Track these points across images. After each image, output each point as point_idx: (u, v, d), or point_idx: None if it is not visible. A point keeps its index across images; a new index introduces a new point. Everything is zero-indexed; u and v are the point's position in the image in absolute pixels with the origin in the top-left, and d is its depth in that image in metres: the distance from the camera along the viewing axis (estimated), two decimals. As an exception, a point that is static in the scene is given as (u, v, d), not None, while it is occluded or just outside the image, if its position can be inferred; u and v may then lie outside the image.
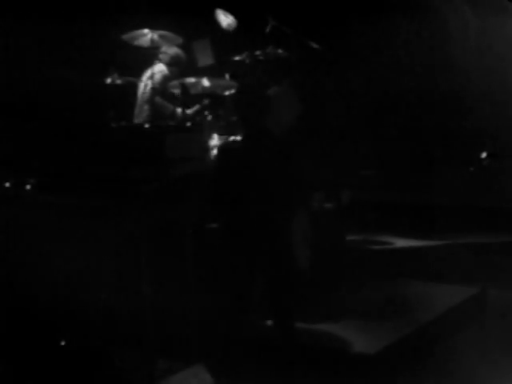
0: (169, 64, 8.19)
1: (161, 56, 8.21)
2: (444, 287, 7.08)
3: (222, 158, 5.28)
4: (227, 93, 7.72)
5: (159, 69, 8.15)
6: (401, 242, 8.07)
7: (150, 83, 8.01)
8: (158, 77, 8.07)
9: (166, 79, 8.01)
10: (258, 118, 5.12)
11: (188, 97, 7.59)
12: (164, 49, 8.18)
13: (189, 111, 7.83)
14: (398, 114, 9.31)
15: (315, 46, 8.14)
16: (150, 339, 5.70)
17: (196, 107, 7.88)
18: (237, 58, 8.07)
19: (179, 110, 7.65)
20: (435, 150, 9.63)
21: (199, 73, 7.93)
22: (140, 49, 8.03)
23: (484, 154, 9.38)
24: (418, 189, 9.29)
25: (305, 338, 5.68)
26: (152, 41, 7.96)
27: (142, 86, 8.13)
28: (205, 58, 8.44)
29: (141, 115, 8.04)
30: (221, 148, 5.82)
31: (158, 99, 8.00)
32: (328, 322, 6.08)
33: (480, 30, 9.47)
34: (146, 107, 8.01)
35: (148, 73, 8.11)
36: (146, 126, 7.46)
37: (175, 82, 7.62)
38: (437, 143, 9.64)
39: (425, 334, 6.11)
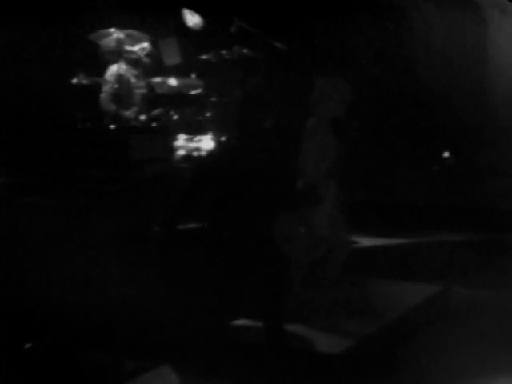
0: (133, 63, 8.12)
1: (125, 55, 8.14)
2: (409, 285, 7.12)
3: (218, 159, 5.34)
4: (193, 92, 7.73)
5: (123, 68, 8.04)
6: (366, 241, 8.10)
7: (114, 83, 7.93)
8: (122, 77, 7.97)
9: (130, 79, 7.96)
10: (263, 119, 5.22)
11: (154, 96, 7.59)
12: (129, 48, 8.12)
13: (152, 113, 7.76)
14: (360, 114, 9.36)
15: (280, 45, 8.18)
16: (116, 340, 5.69)
17: (159, 110, 7.81)
18: (203, 57, 8.08)
19: (145, 110, 7.64)
20: (399, 150, 9.70)
21: (166, 72, 7.94)
22: (106, 48, 7.99)
23: (447, 154, 9.50)
24: (383, 188, 9.36)
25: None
26: (118, 40, 7.93)
27: (104, 86, 8.03)
28: (171, 57, 8.43)
29: (106, 115, 7.98)
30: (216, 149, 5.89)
31: (123, 99, 7.90)
32: (294, 322, 6.11)
33: (446, 30, 9.57)
34: (109, 108, 7.94)
35: (110, 72, 8.01)
36: (111, 126, 7.44)
37: (141, 82, 7.60)
38: (400, 143, 9.71)
39: (390, 332, 6.16)
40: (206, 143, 6.78)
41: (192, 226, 6.28)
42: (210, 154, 6.11)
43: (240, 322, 5.96)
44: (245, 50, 8.05)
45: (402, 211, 9.07)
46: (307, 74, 9.13)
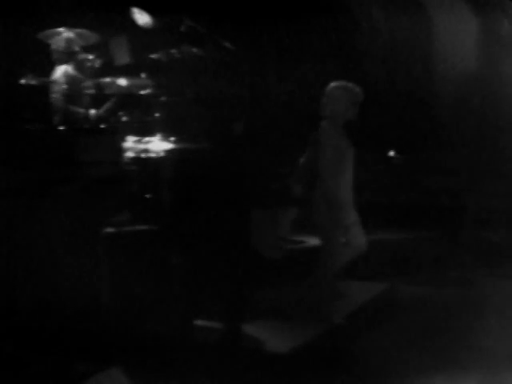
0: (83, 63, 8.05)
1: (75, 55, 8.05)
2: (355, 284, 7.24)
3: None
4: (143, 92, 7.71)
5: (71, 68, 7.95)
6: (313, 241, 8.17)
7: (63, 84, 7.86)
8: (71, 77, 7.85)
9: (79, 79, 7.89)
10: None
11: (103, 97, 7.56)
12: (79, 47, 8.04)
13: (100, 111, 7.72)
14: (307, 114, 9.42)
15: (229, 45, 8.20)
16: (65, 341, 5.70)
17: (106, 105, 7.77)
18: (153, 57, 8.07)
19: (92, 111, 7.59)
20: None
21: (115, 72, 7.91)
22: (56, 47, 7.92)
23: (392, 153, 9.63)
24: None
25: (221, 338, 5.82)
26: (68, 39, 7.87)
27: (54, 86, 7.96)
28: (121, 57, 8.40)
29: (56, 116, 7.91)
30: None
31: (71, 100, 7.83)
32: (243, 323, 6.18)
33: (391, 30, 9.68)
34: (58, 108, 7.88)
35: (59, 73, 7.93)
36: (60, 127, 7.40)
37: (90, 82, 7.56)
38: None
39: (338, 331, 6.27)
40: (155, 145, 6.79)
41: (144, 227, 6.34)
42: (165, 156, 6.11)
43: (200, 322, 6.05)
44: (194, 50, 8.06)
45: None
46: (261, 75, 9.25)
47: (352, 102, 5.84)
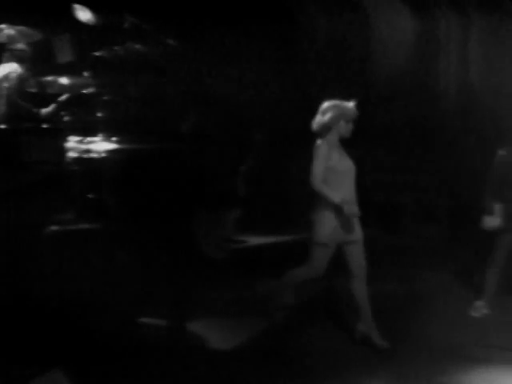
0: (24, 61, 7.90)
1: (16, 53, 7.89)
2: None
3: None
4: (85, 91, 7.66)
5: (13, 67, 7.81)
6: (254, 240, 8.26)
7: (4, 82, 7.75)
8: (12, 76, 7.71)
9: (21, 78, 7.76)
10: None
11: (45, 96, 7.49)
12: (20, 45, 7.89)
13: (44, 111, 7.66)
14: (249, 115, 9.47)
15: (172, 42, 8.21)
16: (4, 345, 5.67)
17: (52, 106, 7.71)
18: (96, 54, 8.02)
19: (36, 110, 7.53)
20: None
21: (58, 70, 7.85)
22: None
23: None
24: (270, 186, 9.50)
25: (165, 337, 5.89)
26: (9, 36, 7.79)
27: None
28: (64, 55, 8.33)
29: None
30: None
31: (13, 99, 7.72)
32: (187, 321, 6.25)
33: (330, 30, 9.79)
34: (1, 108, 7.77)
35: (2, 71, 7.81)
36: (2, 127, 7.32)
37: (32, 81, 7.48)
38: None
39: (278, 329, 6.36)
40: (98, 145, 6.79)
41: (88, 226, 6.35)
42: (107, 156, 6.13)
43: (145, 320, 6.10)
44: (137, 47, 8.04)
45: (289, 207, 9.28)
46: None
47: (346, 119, 5.86)
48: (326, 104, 5.91)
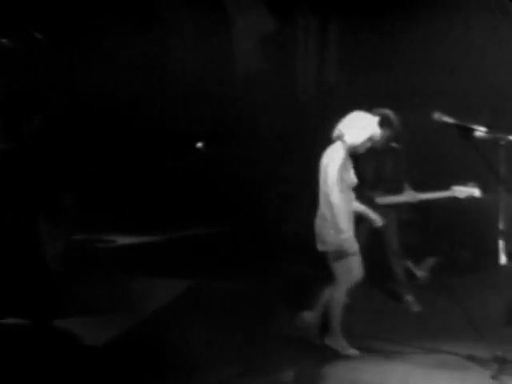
0: None
1: None
2: (163, 281, 7.46)
3: None
4: None
5: None
6: (123, 239, 8.26)
7: None
8: None
9: None
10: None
11: None
12: None
13: None
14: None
15: (39, 36, 8.08)
16: None
17: None
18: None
19: None
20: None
21: None
22: None
23: (200, 144, 9.94)
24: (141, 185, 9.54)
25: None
26: None
27: None
28: None
29: None
30: None
31: None
32: (60, 319, 6.22)
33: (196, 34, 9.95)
34: None
35: None
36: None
37: None
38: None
39: (147, 326, 6.48)
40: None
41: None
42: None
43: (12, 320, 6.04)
44: (4, 41, 7.87)
45: (158, 209, 9.35)
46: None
47: (372, 138, 5.84)
48: (363, 121, 5.78)
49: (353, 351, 5.82)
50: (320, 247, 5.78)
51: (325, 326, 5.97)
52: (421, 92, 8.51)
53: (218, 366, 5.65)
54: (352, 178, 5.74)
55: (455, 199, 6.25)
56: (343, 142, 5.67)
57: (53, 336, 6.02)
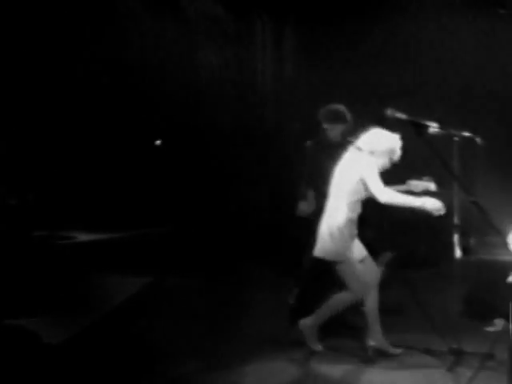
0: None
1: None
2: (124, 277, 7.48)
3: None
4: None
5: None
6: (84, 237, 8.25)
7: None
8: None
9: None
10: None
11: None
12: None
13: None
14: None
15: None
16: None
17: None
18: None
19: None
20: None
21: None
22: None
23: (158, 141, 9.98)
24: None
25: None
26: None
27: None
28: None
29: None
30: None
31: None
32: (19, 317, 6.20)
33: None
34: None
35: None
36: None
37: None
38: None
39: (107, 322, 6.49)
40: None
41: None
42: None
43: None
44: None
45: (117, 208, 9.36)
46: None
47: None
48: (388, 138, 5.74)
49: (318, 347, 5.85)
50: (319, 253, 5.76)
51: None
52: (377, 88, 8.62)
53: (178, 359, 5.73)
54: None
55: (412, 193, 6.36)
56: (372, 152, 5.65)
57: (9, 335, 5.99)
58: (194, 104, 9.91)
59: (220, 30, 10.35)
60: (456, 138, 5.55)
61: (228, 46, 10.42)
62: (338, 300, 5.77)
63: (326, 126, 6.87)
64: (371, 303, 5.75)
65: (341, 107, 6.87)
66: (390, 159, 5.66)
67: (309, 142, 7.12)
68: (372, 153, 5.61)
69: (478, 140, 5.60)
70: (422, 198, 5.50)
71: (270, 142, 8.55)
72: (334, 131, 6.84)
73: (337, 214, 5.67)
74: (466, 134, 5.60)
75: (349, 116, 6.85)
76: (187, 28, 10.18)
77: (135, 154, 9.95)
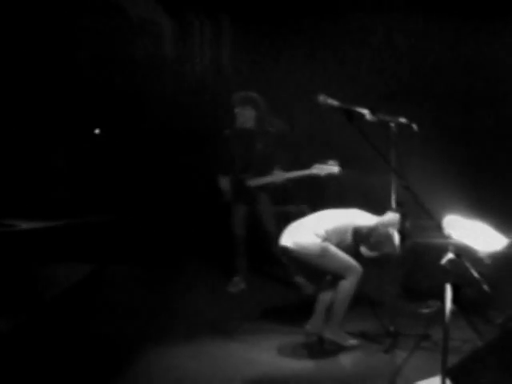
0: None
1: None
2: (66, 265, 7.47)
3: None
4: None
5: None
6: (25, 225, 8.21)
7: None
8: None
9: None
10: None
11: None
12: None
13: None
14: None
15: None
16: None
17: None
18: None
19: None
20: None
21: None
22: None
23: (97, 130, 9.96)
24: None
25: None
26: None
27: None
28: None
29: None
30: None
31: None
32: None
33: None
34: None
35: None
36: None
37: None
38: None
39: (50, 309, 6.50)
40: None
41: None
42: None
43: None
44: None
45: (60, 194, 9.34)
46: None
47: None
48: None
49: (352, 342, 5.83)
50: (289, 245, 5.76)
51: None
52: (311, 78, 8.76)
53: (121, 345, 5.78)
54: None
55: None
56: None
57: None
58: (134, 96, 9.91)
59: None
60: (392, 125, 5.66)
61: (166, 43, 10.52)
62: (342, 291, 5.75)
63: (236, 110, 7.02)
64: (326, 295, 5.85)
65: (253, 94, 7.02)
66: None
67: (226, 131, 7.24)
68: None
69: (414, 126, 5.71)
70: None
71: (208, 135, 8.61)
72: (243, 116, 7.00)
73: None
74: (402, 120, 5.72)
75: (263, 104, 6.99)
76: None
77: (78, 141, 9.94)
